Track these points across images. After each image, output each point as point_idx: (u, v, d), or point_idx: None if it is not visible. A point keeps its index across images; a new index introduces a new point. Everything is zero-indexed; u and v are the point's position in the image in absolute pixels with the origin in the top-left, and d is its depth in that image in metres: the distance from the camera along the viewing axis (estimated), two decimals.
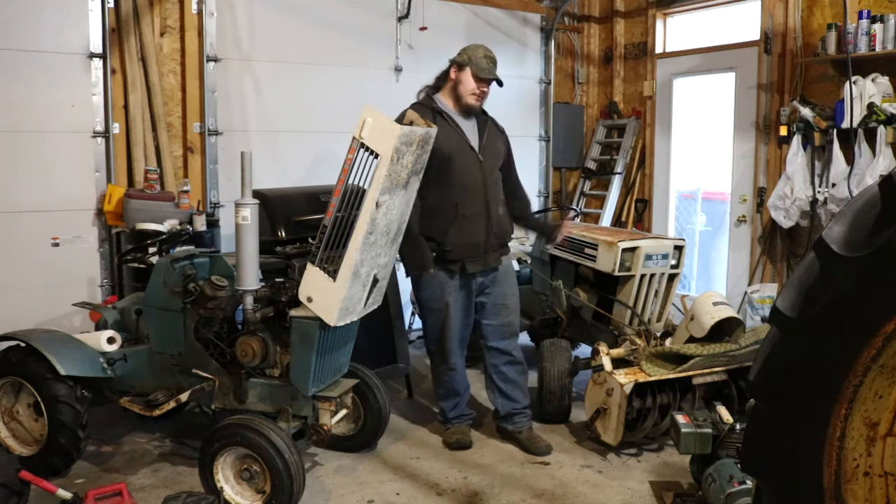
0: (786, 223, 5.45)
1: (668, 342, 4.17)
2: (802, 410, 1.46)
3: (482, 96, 3.88)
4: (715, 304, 4.04)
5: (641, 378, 3.82)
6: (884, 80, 4.93)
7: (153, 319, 3.64)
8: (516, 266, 5.47)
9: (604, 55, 7.27)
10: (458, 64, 3.87)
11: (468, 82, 3.84)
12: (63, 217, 4.93)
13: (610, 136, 7.24)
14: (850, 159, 4.99)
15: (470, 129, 3.92)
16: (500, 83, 3.89)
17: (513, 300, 4.10)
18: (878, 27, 4.84)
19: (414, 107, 3.76)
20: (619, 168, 6.99)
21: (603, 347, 4.04)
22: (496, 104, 6.35)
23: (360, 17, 5.92)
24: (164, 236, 4.21)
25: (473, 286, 3.96)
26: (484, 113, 4.02)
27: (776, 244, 5.77)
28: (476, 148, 3.88)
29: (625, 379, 3.80)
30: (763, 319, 5.21)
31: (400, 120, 3.31)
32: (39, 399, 3.50)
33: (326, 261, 3.14)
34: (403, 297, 4.88)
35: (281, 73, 5.62)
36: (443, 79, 3.96)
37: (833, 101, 5.19)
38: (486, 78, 3.83)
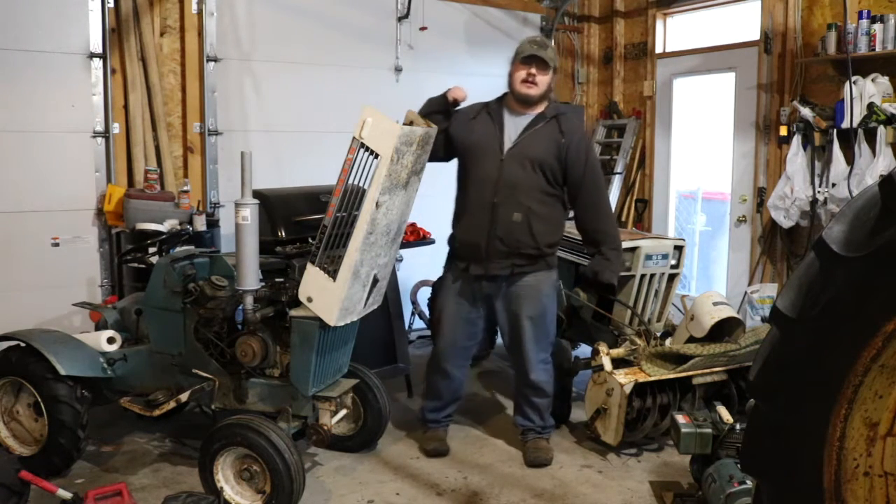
0: (786, 223, 5.46)
1: (668, 342, 4.17)
2: (802, 410, 1.46)
3: (531, 79, 3.65)
4: (715, 304, 4.04)
5: (641, 378, 3.82)
6: (884, 80, 4.93)
7: (153, 319, 3.63)
8: None
9: (604, 55, 7.27)
10: (510, 62, 3.78)
11: (514, 71, 3.71)
12: (63, 217, 4.93)
13: (610, 136, 7.24)
14: (850, 159, 4.99)
15: (514, 126, 3.73)
16: (544, 62, 3.64)
17: (528, 323, 3.81)
18: (878, 27, 4.84)
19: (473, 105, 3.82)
20: (619, 168, 6.99)
21: (603, 347, 4.04)
22: None
23: (360, 17, 5.92)
24: (164, 236, 4.21)
25: (479, 295, 3.83)
26: (556, 117, 3.75)
27: (776, 244, 5.77)
28: (505, 145, 3.70)
29: (625, 379, 3.80)
30: (763, 319, 5.21)
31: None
32: (39, 399, 3.49)
33: (326, 261, 3.14)
34: (403, 297, 4.88)
35: (281, 73, 5.62)
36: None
37: (833, 101, 5.19)
38: (528, 57, 3.64)
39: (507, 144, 3.71)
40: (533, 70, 3.65)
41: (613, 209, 7.03)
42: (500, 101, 3.83)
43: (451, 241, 3.90)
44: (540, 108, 3.77)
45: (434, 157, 3.64)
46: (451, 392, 4.02)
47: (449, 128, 3.74)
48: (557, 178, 3.74)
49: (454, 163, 3.90)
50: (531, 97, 3.70)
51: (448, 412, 4.08)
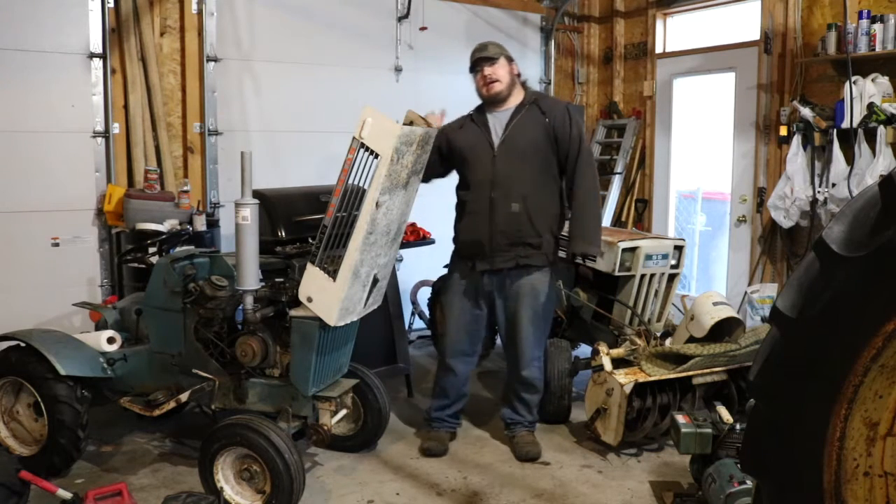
0: (786, 223, 5.45)
1: (668, 342, 4.17)
2: (802, 410, 1.46)
3: (487, 80, 3.82)
4: (715, 304, 4.04)
5: (641, 378, 3.82)
6: (884, 80, 4.93)
7: (153, 319, 3.63)
8: None
9: (604, 55, 7.26)
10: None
11: (475, 81, 3.92)
12: (63, 217, 4.93)
13: (610, 136, 7.24)
14: (850, 159, 4.99)
15: (498, 123, 3.86)
16: (489, 59, 3.81)
17: (525, 321, 3.88)
18: (878, 27, 4.84)
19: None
20: (619, 168, 6.99)
21: (603, 347, 4.04)
22: None
23: (360, 17, 5.92)
24: (164, 236, 4.21)
25: (482, 290, 3.89)
26: (535, 101, 3.87)
27: (776, 244, 5.77)
28: (494, 142, 3.82)
29: (625, 379, 3.80)
30: (763, 319, 5.21)
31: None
32: (39, 399, 3.50)
33: (326, 261, 3.14)
34: (403, 297, 4.88)
35: (281, 73, 5.62)
36: None
37: (833, 101, 5.19)
38: (475, 63, 3.84)
39: (496, 140, 3.83)
40: (485, 72, 3.82)
41: (613, 209, 7.04)
42: (481, 107, 3.96)
43: (456, 240, 4.01)
44: (518, 100, 3.89)
45: (433, 174, 3.87)
46: (455, 389, 4.05)
47: (440, 145, 3.83)
48: (551, 161, 3.86)
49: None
50: (498, 94, 3.84)
51: (454, 410, 4.09)
